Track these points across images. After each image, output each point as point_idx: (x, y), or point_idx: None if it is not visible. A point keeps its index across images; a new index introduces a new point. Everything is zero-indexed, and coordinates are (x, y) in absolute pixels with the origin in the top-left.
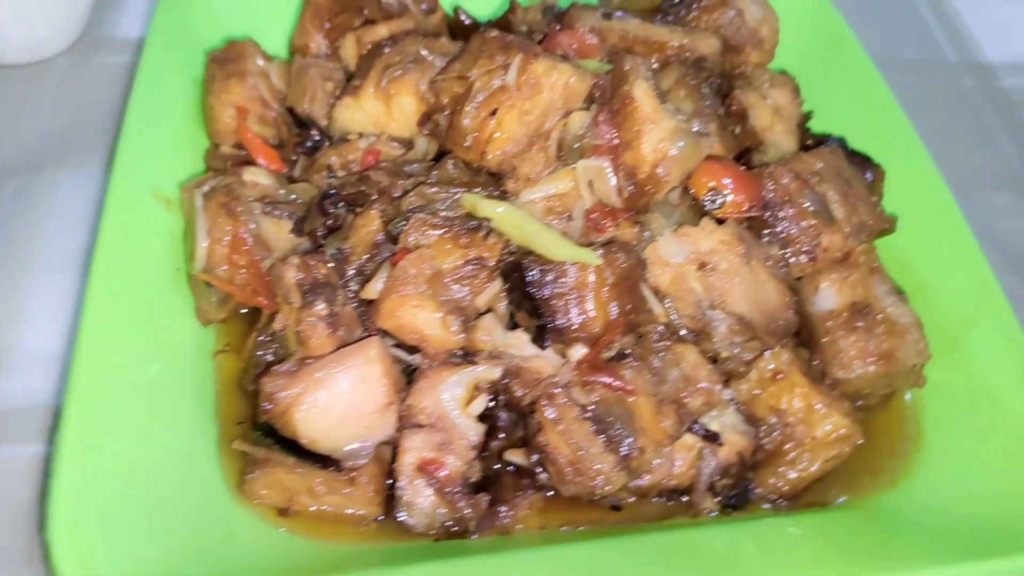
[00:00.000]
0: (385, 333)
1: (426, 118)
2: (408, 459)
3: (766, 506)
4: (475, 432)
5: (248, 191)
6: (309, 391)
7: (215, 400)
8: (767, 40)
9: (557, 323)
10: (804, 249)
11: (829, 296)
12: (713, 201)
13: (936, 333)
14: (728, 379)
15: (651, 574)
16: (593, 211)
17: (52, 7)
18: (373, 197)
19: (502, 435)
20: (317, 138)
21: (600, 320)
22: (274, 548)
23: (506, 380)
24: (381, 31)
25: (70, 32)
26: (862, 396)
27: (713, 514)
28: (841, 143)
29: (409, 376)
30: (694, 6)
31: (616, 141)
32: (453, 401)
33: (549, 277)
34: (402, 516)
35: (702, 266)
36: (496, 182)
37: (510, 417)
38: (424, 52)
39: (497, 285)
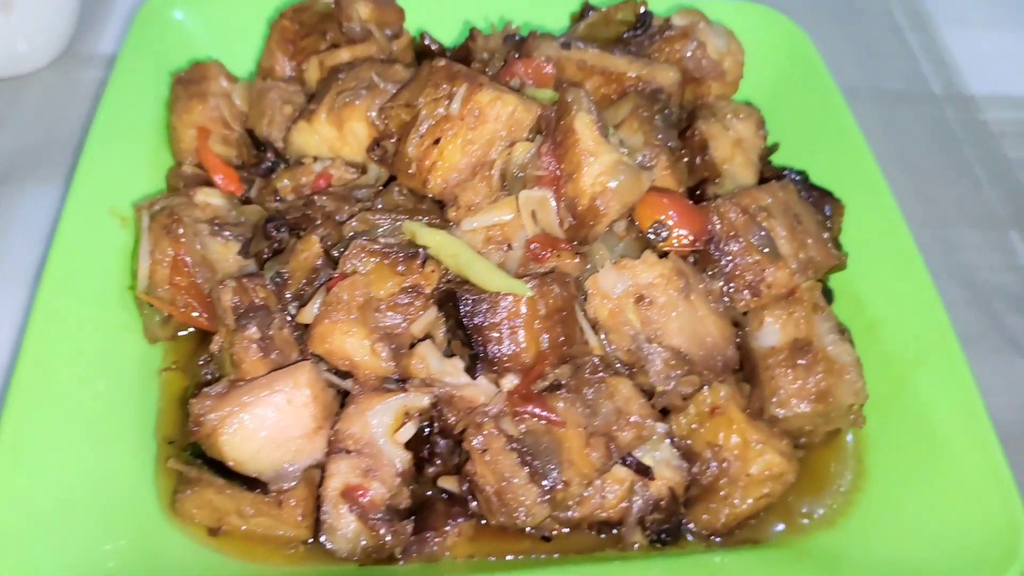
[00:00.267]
0: (319, 358)
1: (375, 144)
2: (333, 484)
3: (700, 542)
4: (401, 459)
5: (199, 212)
6: (235, 413)
7: (157, 418)
8: (730, 72)
9: (488, 352)
10: (748, 284)
11: (772, 332)
12: (657, 234)
13: (884, 371)
14: (666, 413)
15: None
16: (533, 241)
17: (33, 23)
18: (317, 222)
19: (438, 462)
20: (273, 160)
21: (531, 351)
22: (203, 567)
23: (440, 407)
24: (343, 55)
25: (53, 48)
26: (803, 433)
27: (642, 548)
28: (801, 177)
29: (344, 401)
30: (656, 37)
31: (559, 172)
32: (380, 428)
33: (481, 307)
34: (324, 541)
35: (640, 299)
36: (441, 210)
37: (448, 444)
38: (376, 79)
39: (432, 313)
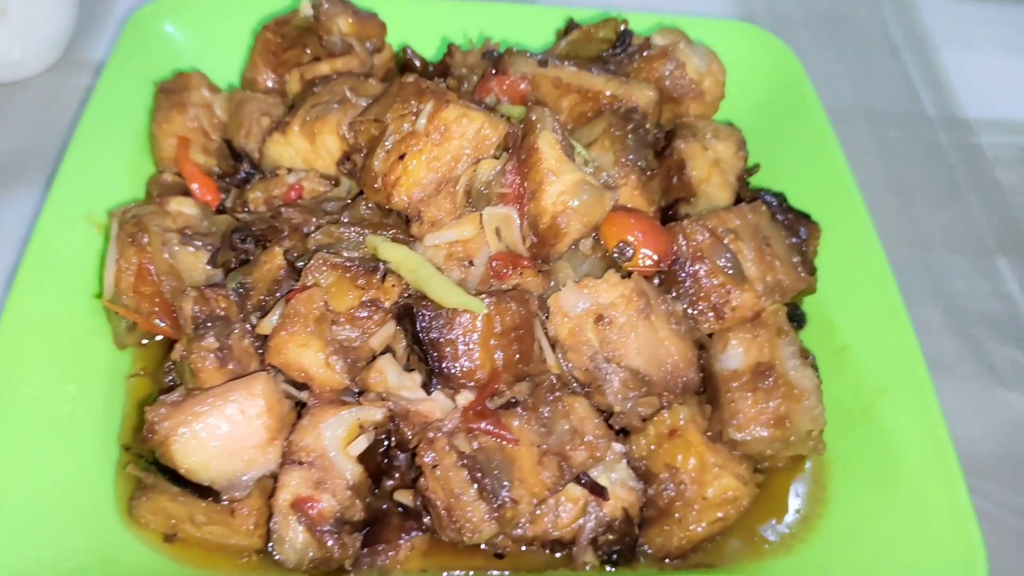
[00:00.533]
0: (277, 369)
1: (345, 158)
2: (284, 495)
3: (653, 564)
4: (351, 472)
5: (169, 221)
6: (188, 422)
7: (121, 423)
8: (709, 93)
9: (443, 368)
10: (713, 306)
11: (736, 355)
12: (622, 253)
13: (851, 397)
14: (627, 434)
15: None
16: (495, 259)
17: (28, 30)
18: (284, 233)
19: (397, 475)
20: (248, 171)
21: (486, 368)
22: (156, 574)
23: (397, 422)
24: (323, 68)
25: (49, 55)
26: (765, 458)
27: (594, 568)
28: (778, 199)
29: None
30: (636, 56)
31: (523, 190)
32: (333, 440)
33: (438, 322)
34: (273, 551)
35: (599, 319)
36: (406, 225)
37: (407, 458)
38: (349, 93)
39: (391, 328)
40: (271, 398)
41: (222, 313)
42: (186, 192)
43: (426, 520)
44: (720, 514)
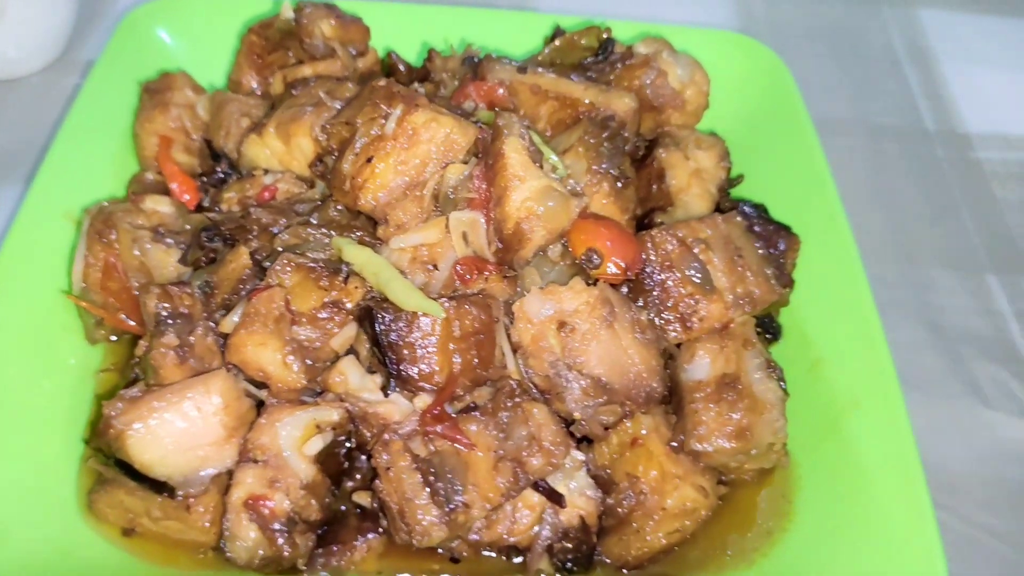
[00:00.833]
0: (238, 368)
1: (318, 160)
2: (237, 493)
3: (611, 574)
4: (306, 472)
5: (143, 219)
6: (143, 418)
7: (89, 418)
8: (691, 102)
9: (401, 370)
10: (680, 316)
11: (702, 366)
12: (589, 261)
13: (822, 411)
14: (590, 442)
15: None
16: (460, 263)
17: (25, 30)
18: (253, 233)
19: (358, 476)
20: (225, 171)
21: (443, 371)
22: (111, 567)
23: (356, 423)
24: (305, 71)
25: (46, 54)
26: (730, 470)
27: None
28: (757, 210)
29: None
30: (618, 64)
31: (489, 195)
32: (288, 439)
33: (397, 325)
34: (224, 548)
35: (562, 326)
36: (374, 228)
37: (368, 460)
38: (324, 96)
39: (352, 329)
40: (229, 396)
41: (186, 311)
42: (167, 191)
43: (383, 522)
44: (678, 525)
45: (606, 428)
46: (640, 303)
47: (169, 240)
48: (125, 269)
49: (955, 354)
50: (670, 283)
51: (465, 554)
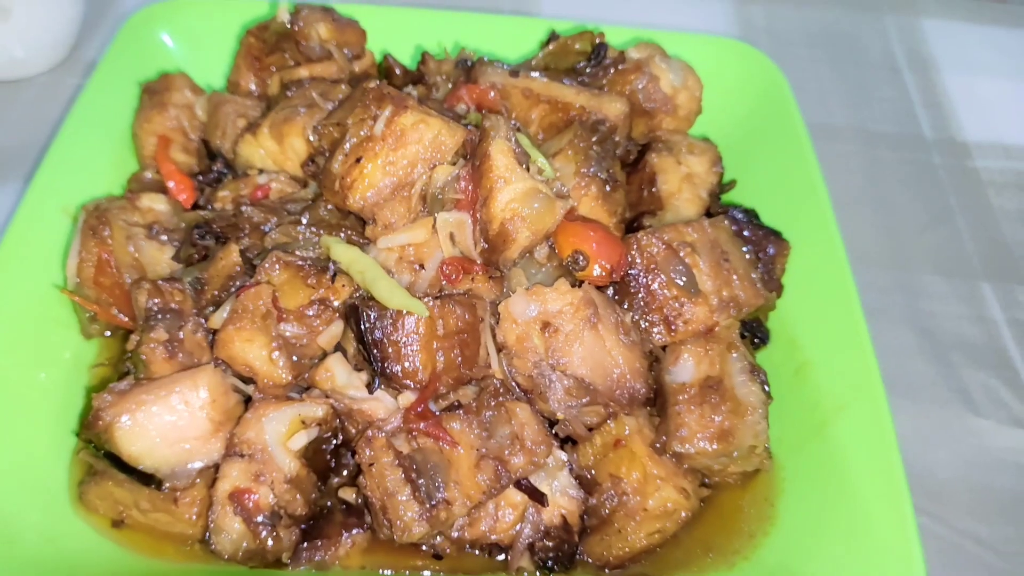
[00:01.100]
0: (226, 363)
1: (310, 160)
2: (223, 486)
3: (593, 574)
4: (290, 466)
5: (138, 216)
6: (131, 411)
7: (82, 411)
8: (683, 107)
9: (385, 368)
10: (664, 319)
11: (686, 368)
12: (575, 262)
13: (807, 415)
14: (574, 443)
15: None
16: (447, 263)
17: (31, 30)
18: (244, 231)
19: (345, 472)
20: (220, 171)
21: (427, 369)
22: (99, 558)
23: (343, 420)
24: (302, 73)
25: (52, 55)
26: (713, 472)
27: (529, 574)
28: (747, 215)
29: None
30: (611, 69)
31: (476, 196)
32: (274, 434)
33: (382, 323)
34: (209, 540)
35: (546, 326)
36: (364, 227)
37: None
38: (317, 97)
39: (339, 327)
40: (216, 390)
41: (176, 306)
42: (165, 189)
43: (368, 518)
44: (659, 526)
45: (590, 429)
46: (625, 305)
47: (163, 237)
48: (118, 265)
49: (946, 361)
50: (655, 286)
51: (448, 551)
